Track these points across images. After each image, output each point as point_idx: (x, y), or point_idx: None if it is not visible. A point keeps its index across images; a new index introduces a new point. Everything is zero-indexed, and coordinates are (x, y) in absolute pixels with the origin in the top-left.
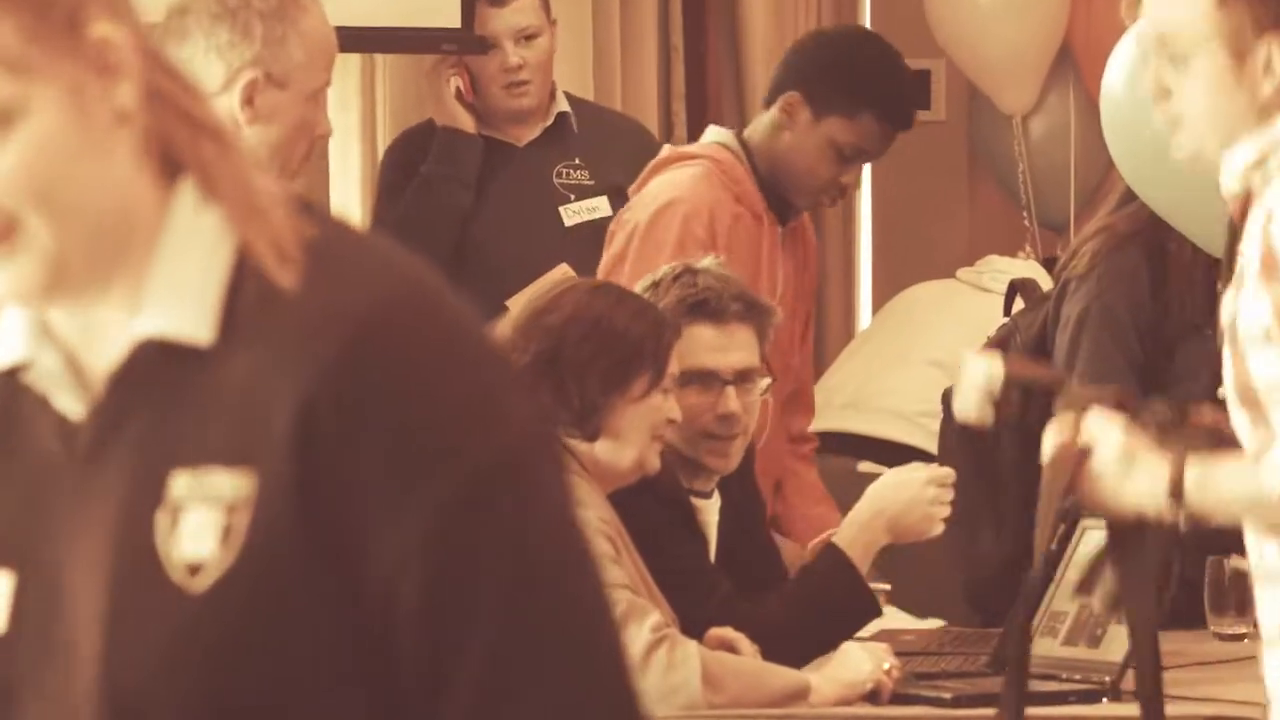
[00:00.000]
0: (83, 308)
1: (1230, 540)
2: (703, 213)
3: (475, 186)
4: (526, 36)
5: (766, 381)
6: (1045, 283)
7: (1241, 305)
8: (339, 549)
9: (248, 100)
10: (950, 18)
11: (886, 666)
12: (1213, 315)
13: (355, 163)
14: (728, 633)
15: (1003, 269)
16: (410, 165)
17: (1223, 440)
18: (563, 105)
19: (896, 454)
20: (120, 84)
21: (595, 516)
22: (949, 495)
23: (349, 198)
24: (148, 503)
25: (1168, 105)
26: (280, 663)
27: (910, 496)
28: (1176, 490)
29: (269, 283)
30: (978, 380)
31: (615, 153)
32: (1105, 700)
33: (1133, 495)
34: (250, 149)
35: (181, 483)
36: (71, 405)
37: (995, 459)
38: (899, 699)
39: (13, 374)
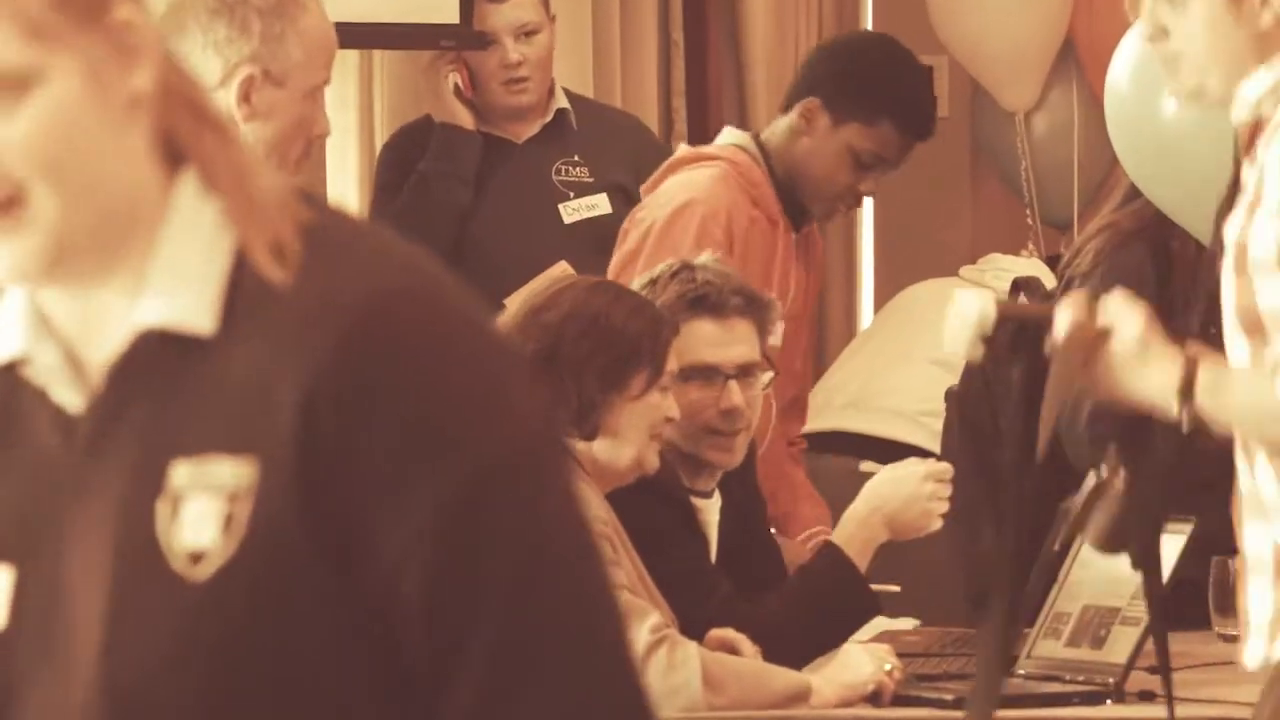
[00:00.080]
0: (83, 293)
1: (1234, 541)
2: (720, 214)
3: (474, 183)
4: (526, 32)
5: (769, 375)
6: (1049, 281)
7: (1255, 230)
8: (342, 540)
9: (244, 97)
10: (952, 13)
11: (888, 668)
12: (1218, 313)
13: (352, 160)
14: (729, 633)
15: (1006, 267)
16: (407, 163)
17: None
18: (562, 102)
19: (898, 453)
20: (138, 68)
21: (593, 517)
22: (947, 490)
23: (346, 195)
24: (148, 493)
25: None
26: (283, 654)
27: (908, 492)
28: (1188, 389)
29: (272, 272)
30: (969, 318)
31: (615, 150)
32: (1109, 702)
33: (1144, 387)
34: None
35: (182, 472)
36: (70, 398)
37: (997, 458)
38: (900, 700)
39: (10, 369)
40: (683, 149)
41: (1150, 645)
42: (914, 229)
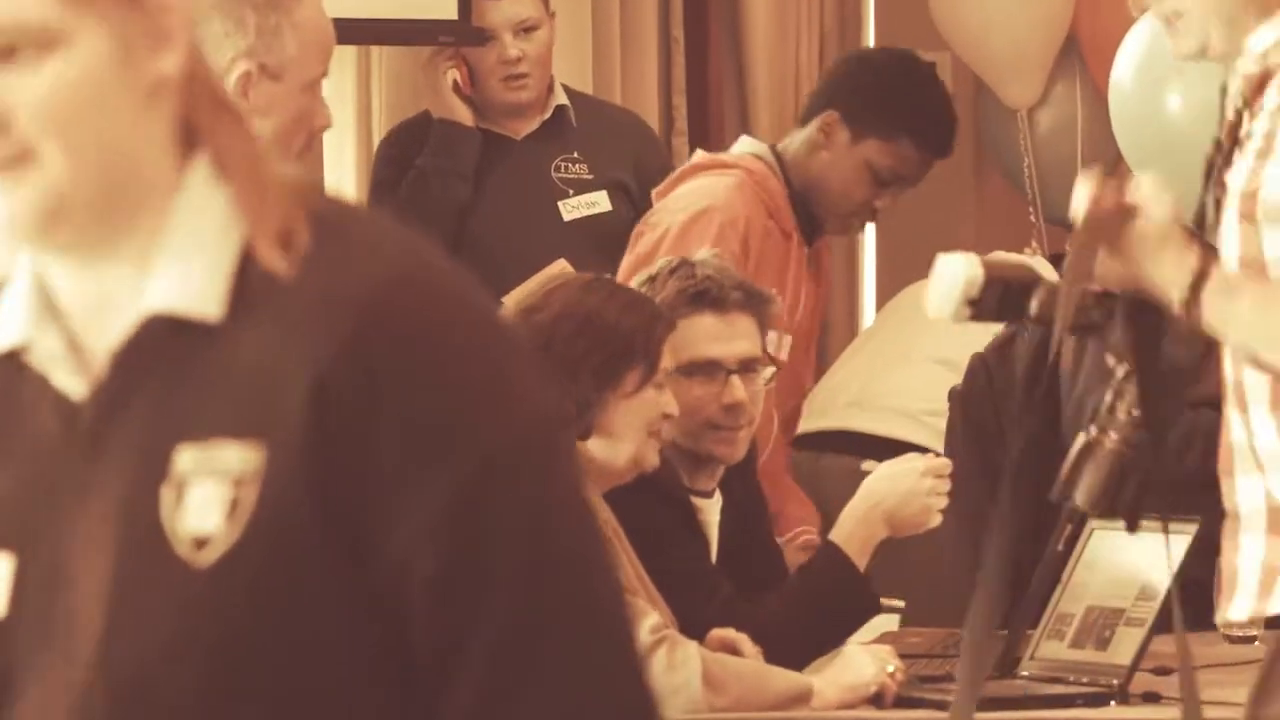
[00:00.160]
0: (87, 271)
1: None
2: (739, 222)
3: (473, 180)
4: (525, 29)
5: (770, 371)
6: (1053, 279)
7: (1268, 176)
8: (350, 527)
9: (242, 93)
10: (954, 9)
11: (890, 669)
12: None
13: (349, 156)
14: (730, 634)
15: None
16: (405, 159)
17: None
18: (561, 98)
19: (901, 452)
20: (168, 52)
21: None
22: (946, 486)
23: (343, 191)
24: (152, 478)
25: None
26: (286, 642)
27: (907, 489)
28: (1198, 284)
29: (280, 260)
30: (956, 282)
31: (615, 147)
32: (1113, 704)
33: (1158, 271)
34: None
35: (187, 457)
36: (73, 385)
37: (1000, 457)
38: (903, 702)
39: (13, 356)
40: (699, 155)
41: (1150, 647)
42: (916, 227)
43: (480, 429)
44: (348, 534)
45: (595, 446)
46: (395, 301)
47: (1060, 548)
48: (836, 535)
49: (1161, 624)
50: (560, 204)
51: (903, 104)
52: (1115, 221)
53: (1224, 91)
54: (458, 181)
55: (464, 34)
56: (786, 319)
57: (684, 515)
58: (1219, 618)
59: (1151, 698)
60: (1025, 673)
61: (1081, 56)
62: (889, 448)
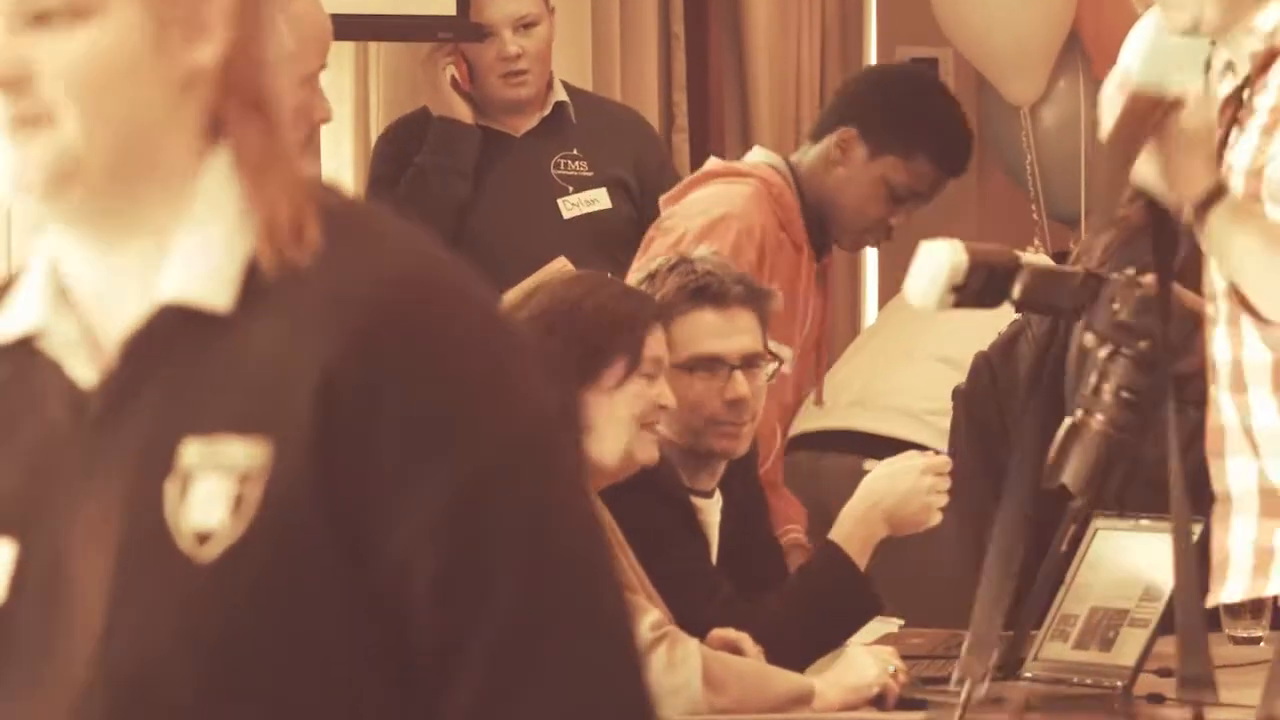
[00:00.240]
0: (102, 254)
1: None
2: (755, 231)
3: (472, 177)
4: (525, 25)
5: (772, 366)
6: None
7: (1275, 153)
8: (354, 523)
9: None
10: (956, 6)
11: (892, 670)
12: None
13: (348, 152)
14: (731, 634)
15: None
16: (403, 156)
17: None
18: (560, 95)
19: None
20: (204, 43)
21: None
22: (946, 484)
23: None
24: (157, 470)
25: None
26: (288, 638)
27: (907, 487)
28: (1216, 195)
29: (290, 256)
30: (941, 269)
31: (614, 144)
32: (1117, 705)
33: (1182, 171)
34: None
35: (192, 451)
36: (84, 373)
37: (1004, 457)
38: (905, 703)
39: (27, 342)
40: (712, 161)
41: (1153, 648)
42: (918, 224)
43: (481, 425)
44: (349, 533)
45: None
46: (404, 299)
47: (1064, 548)
48: (836, 534)
49: (1165, 625)
50: (560, 201)
51: (921, 122)
52: (1161, 111)
53: (1208, 67)
54: (457, 179)
55: (463, 30)
56: (794, 333)
57: (684, 515)
58: (1211, 600)
59: (1156, 699)
60: (1029, 674)
61: (1084, 53)
62: (891, 447)
